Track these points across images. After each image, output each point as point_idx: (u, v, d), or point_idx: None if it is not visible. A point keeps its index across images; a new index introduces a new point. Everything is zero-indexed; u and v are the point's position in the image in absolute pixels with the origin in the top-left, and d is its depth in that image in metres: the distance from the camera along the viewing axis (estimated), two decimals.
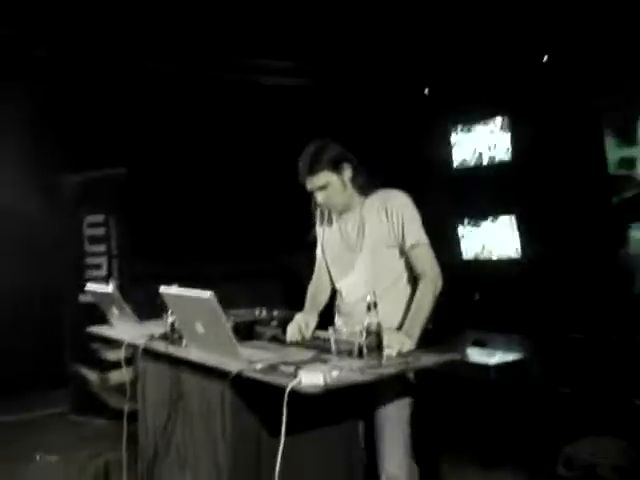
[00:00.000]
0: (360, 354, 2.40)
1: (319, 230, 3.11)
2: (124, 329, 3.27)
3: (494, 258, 7.96)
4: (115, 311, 3.30)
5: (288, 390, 2.11)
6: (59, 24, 5.62)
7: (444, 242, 7.76)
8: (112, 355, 4.92)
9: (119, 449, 3.21)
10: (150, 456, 3.06)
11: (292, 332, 2.85)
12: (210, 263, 6.20)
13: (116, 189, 5.51)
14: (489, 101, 7.46)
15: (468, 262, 8.21)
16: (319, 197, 2.86)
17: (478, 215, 8.08)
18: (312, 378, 2.11)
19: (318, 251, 3.14)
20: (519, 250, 7.66)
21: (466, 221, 8.23)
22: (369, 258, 2.86)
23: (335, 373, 2.18)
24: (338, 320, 3.00)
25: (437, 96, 7.99)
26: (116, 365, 3.86)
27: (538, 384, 5.12)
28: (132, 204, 5.57)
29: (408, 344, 2.57)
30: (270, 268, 6.96)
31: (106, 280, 5.22)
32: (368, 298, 2.40)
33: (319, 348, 2.58)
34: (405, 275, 2.88)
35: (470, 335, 6.70)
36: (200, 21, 5.84)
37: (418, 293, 2.78)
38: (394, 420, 2.69)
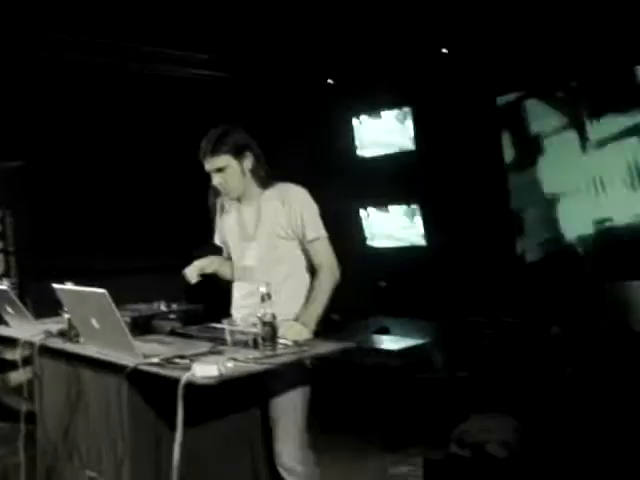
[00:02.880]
0: (255, 344, 2.45)
1: (218, 221, 3.14)
2: (20, 327, 3.20)
3: (398, 245, 8.16)
4: (10, 310, 3.22)
5: (182, 382, 2.15)
6: None
7: (348, 229, 7.93)
8: (10, 355, 4.78)
9: (18, 452, 3.15)
10: (50, 458, 3.02)
11: (191, 274, 2.99)
12: (111, 258, 6.09)
13: (13, 183, 5.33)
14: (393, 91, 7.63)
15: (372, 250, 8.39)
16: (215, 179, 2.90)
17: (381, 202, 8.26)
18: (206, 370, 2.15)
19: (216, 240, 3.19)
20: (423, 237, 7.89)
21: (370, 208, 8.40)
22: (264, 248, 2.91)
23: (230, 364, 2.23)
24: (234, 311, 3.03)
25: (341, 86, 8.10)
26: (15, 365, 3.76)
27: (438, 368, 5.34)
28: (30, 198, 5.40)
29: (305, 333, 2.65)
30: (175, 262, 6.88)
31: (3, 277, 5.06)
32: (262, 289, 2.46)
33: (215, 340, 2.62)
34: (304, 266, 2.94)
35: (375, 322, 6.90)
36: (100, 8, 5.69)
37: (315, 283, 2.86)
38: (289, 409, 2.75)
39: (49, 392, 3.03)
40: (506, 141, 6.99)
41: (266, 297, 2.45)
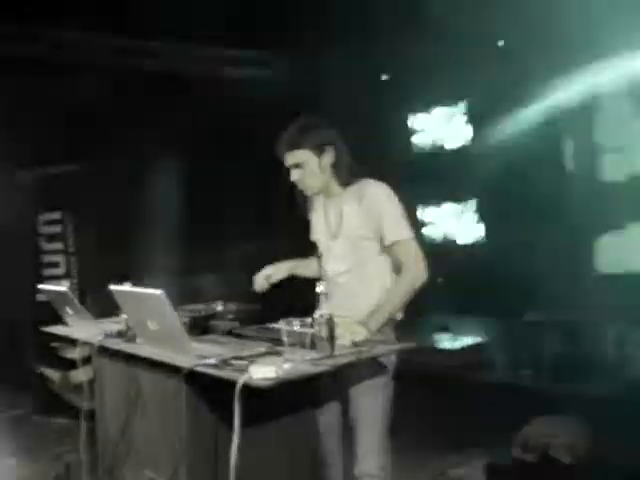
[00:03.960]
0: (312, 345, 2.40)
1: (311, 216, 3.06)
2: (80, 328, 3.23)
3: (456, 242, 8.04)
4: (69, 310, 3.26)
5: (239, 384, 2.12)
6: None
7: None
8: (71, 354, 4.87)
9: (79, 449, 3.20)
10: (110, 457, 3.04)
11: (259, 283, 2.99)
12: (172, 257, 6.15)
13: (74, 185, 5.43)
14: (449, 87, 7.51)
15: (431, 246, 8.28)
16: (293, 174, 2.82)
17: (440, 199, 8.15)
18: (263, 371, 2.12)
19: (311, 236, 3.09)
20: (481, 235, 7.75)
21: (426, 205, 8.29)
22: (347, 248, 2.82)
23: (286, 365, 2.19)
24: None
25: (396, 82, 8.02)
26: (77, 364, 3.81)
27: (499, 367, 5.21)
28: (90, 200, 5.49)
29: (361, 334, 2.54)
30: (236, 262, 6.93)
31: (64, 278, 5.16)
32: (320, 289, 2.41)
33: (272, 341, 2.58)
34: (389, 266, 2.83)
35: (434, 320, 6.79)
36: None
37: (392, 286, 2.76)
38: (368, 413, 2.69)
39: (108, 392, 3.05)
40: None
41: (324, 297, 2.40)
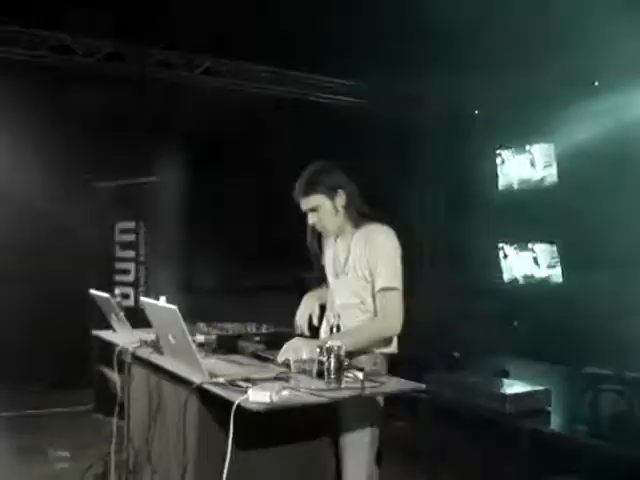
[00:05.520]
0: (320, 375, 2.43)
1: (324, 252, 3.17)
2: (123, 334, 3.39)
3: (535, 283, 7.82)
4: (114, 317, 3.42)
5: (235, 405, 2.19)
6: None
7: (485, 265, 7.73)
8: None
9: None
10: (133, 461, 3.16)
11: (302, 325, 3.00)
12: (240, 274, 6.31)
13: (148, 197, 5.68)
14: (536, 125, 7.38)
15: (509, 286, 8.09)
16: (310, 218, 2.96)
17: (520, 239, 7.97)
18: (259, 396, 2.17)
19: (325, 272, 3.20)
20: (560, 277, 7.51)
21: (507, 245, 8.12)
22: (351, 286, 2.91)
23: (285, 392, 2.23)
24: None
25: (486, 118, 7.95)
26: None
27: (554, 419, 5.00)
28: (162, 212, 5.72)
29: (302, 351, 2.61)
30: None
31: (132, 285, 5.39)
32: (331, 321, 2.44)
33: (288, 366, 2.62)
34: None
35: (500, 362, 6.61)
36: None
37: (362, 324, 2.83)
38: (355, 445, 2.71)
39: (136, 398, 3.19)
40: None
41: (335, 329, 2.43)
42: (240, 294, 5.79)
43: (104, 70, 6.07)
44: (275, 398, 2.17)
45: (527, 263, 7.94)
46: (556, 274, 7.58)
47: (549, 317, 7.11)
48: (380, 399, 2.76)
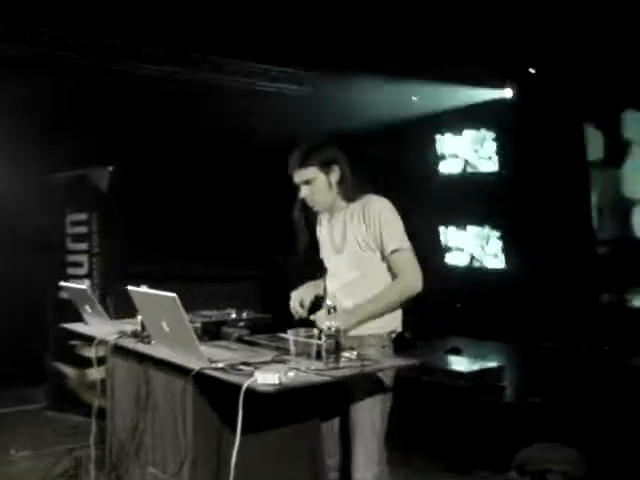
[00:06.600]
0: (318, 356, 2.47)
1: (317, 231, 3.17)
2: (97, 327, 3.33)
3: (476, 267, 8.06)
4: (88, 309, 3.36)
5: (244, 388, 2.20)
6: None
7: (428, 250, 7.89)
8: (89, 352, 4.97)
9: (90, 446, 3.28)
10: (118, 454, 3.12)
11: (297, 311, 2.97)
12: (194, 263, 6.26)
13: (100, 187, 5.54)
14: (475, 111, 7.57)
15: (452, 270, 8.30)
16: (303, 191, 2.95)
17: (461, 221, 8.18)
18: (268, 378, 2.19)
19: (320, 253, 3.19)
20: (501, 260, 7.77)
21: (449, 227, 8.33)
22: (352, 260, 2.91)
23: (291, 374, 2.26)
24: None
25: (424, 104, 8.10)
26: (93, 362, 3.91)
27: (508, 392, 5.22)
28: (115, 202, 5.60)
29: (349, 321, 2.68)
30: (256, 271, 7.03)
31: (86, 278, 5.28)
32: (328, 302, 2.49)
33: (280, 349, 2.66)
34: (388, 279, 2.91)
35: (449, 342, 6.82)
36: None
37: (385, 287, 2.86)
38: (365, 423, 2.76)
39: (120, 390, 3.14)
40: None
41: (332, 310, 2.47)
42: (195, 282, 5.74)
43: (50, 58, 5.89)
44: (284, 379, 2.20)
45: (470, 247, 8.18)
46: (494, 256, 7.85)
47: (491, 298, 7.36)
48: (387, 380, 2.80)
